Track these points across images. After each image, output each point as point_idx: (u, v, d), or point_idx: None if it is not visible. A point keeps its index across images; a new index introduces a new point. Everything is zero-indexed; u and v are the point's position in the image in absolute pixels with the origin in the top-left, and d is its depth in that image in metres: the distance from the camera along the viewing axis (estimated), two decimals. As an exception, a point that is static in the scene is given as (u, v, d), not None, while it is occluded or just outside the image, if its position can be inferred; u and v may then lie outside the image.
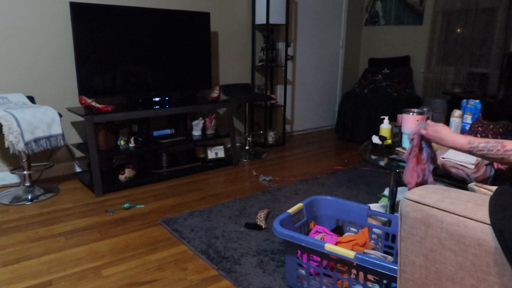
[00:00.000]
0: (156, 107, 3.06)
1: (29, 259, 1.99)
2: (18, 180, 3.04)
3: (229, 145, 3.93)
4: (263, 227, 2.32)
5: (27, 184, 2.79)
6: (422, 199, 0.97)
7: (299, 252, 1.68)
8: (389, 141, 2.08)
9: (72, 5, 2.79)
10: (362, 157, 1.96)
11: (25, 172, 2.76)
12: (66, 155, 3.23)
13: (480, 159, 1.77)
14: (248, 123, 3.97)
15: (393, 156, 1.91)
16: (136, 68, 3.16)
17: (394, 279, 1.45)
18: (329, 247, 1.53)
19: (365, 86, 4.70)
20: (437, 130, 1.25)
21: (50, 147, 2.62)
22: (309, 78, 4.87)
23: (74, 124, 3.22)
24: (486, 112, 3.36)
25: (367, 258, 1.45)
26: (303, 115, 4.93)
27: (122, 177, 2.98)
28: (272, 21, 3.94)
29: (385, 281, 1.54)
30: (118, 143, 3.01)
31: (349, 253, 1.49)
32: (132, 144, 3.01)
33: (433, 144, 1.84)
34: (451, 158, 1.79)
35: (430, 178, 1.38)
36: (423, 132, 1.31)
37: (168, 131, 3.34)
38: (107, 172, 3.20)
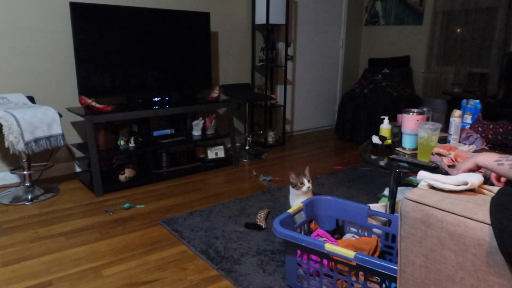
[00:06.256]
0: (156, 107, 3.06)
1: (29, 259, 1.99)
2: (18, 180, 3.04)
3: (229, 145, 3.93)
4: (263, 227, 2.32)
5: (27, 184, 2.79)
6: (422, 199, 0.97)
7: (299, 252, 1.68)
8: (389, 141, 2.08)
9: (72, 5, 2.79)
10: (362, 157, 1.96)
11: (25, 172, 2.76)
12: (66, 155, 3.23)
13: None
14: (248, 123, 3.97)
15: (393, 156, 1.91)
16: (136, 68, 3.16)
17: (394, 279, 1.45)
18: (329, 247, 1.53)
19: (365, 86, 4.70)
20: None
21: (50, 147, 2.62)
22: (309, 78, 4.87)
23: (74, 124, 3.22)
24: (486, 112, 3.36)
25: (367, 258, 1.45)
26: (303, 115, 4.93)
27: (122, 177, 2.98)
28: (272, 21, 3.94)
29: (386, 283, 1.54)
30: (118, 143, 3.01)
31: (349, 253, 1.49)
32: (132, 144, 3.01)
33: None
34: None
35: None
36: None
37: (168, 131, 3.34)
38: (107, 172, 3.20)
